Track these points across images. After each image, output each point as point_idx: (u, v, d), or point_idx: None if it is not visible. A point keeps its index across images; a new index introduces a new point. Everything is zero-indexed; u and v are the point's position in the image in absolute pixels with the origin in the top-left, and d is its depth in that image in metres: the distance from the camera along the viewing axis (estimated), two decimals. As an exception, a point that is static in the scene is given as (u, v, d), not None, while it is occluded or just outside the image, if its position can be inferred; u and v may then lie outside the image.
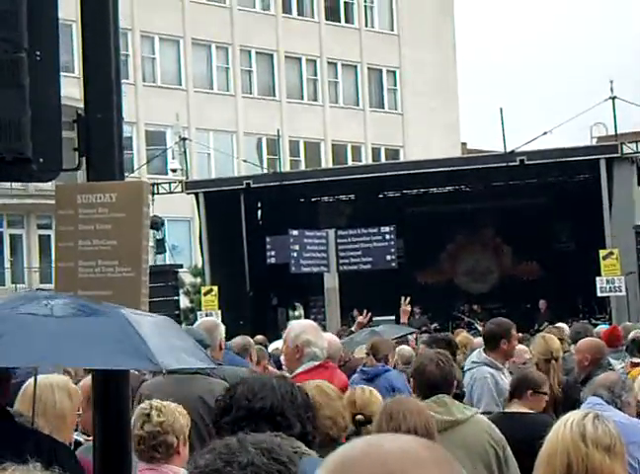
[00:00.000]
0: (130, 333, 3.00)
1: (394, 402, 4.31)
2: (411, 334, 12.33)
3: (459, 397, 5.95)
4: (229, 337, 8.83)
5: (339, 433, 4.36)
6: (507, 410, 6.13)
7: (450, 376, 5.31)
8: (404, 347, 10.10)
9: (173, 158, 32.09)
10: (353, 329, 10.61)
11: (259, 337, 12.95)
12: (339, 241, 21.27)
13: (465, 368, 7.16)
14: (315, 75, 42.83)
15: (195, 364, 3.82)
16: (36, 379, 3.90)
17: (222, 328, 7.13)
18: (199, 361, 3.60)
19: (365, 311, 11.17)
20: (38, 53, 3.63)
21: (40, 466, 1.85)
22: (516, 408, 6.02)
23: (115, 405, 3.86)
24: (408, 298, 11.52)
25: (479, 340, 9.68)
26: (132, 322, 3.07)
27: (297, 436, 3.22)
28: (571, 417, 3.53)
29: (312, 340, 6.05)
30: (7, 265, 34.47)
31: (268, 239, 21.93)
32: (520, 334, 9.24)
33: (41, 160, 3.64)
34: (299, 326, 6.39)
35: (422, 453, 1.37)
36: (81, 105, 3.80)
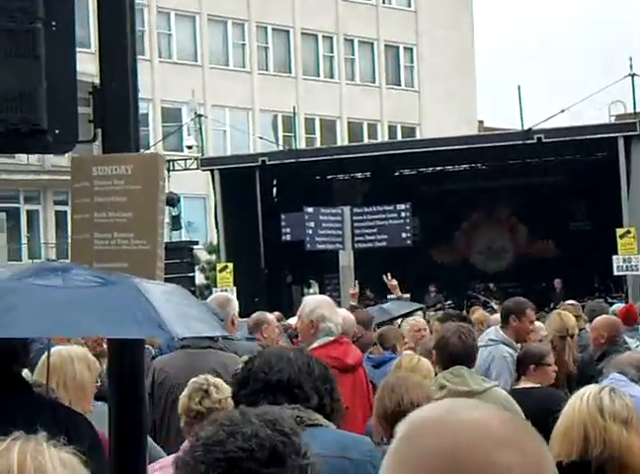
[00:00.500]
0: (142, 301, 2.99)
1: (396, 377, 4.35)
2: (419, 310, 12.31)
3: None
4: (246, 314, 8.84)
5: None
6: (515, 387, 6.12)
7: (472, 349, 5.33)
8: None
9: (189, 135, 32.08)
10: (351, 302, 10.59)
11: (275, 313, 12.95)
12: (354, 218, 21.24)
13: (481, 345, 7.12)
14: (332, 52, 42.67)
15: (207, 332, 3.82)
16: (49, 351, 3.91)
17: (235, 303, 7.14)
18: (211, 329, 3.59)
19: (356, 282, 11.34)
20: (53, 24, 3.61)
21: (45, 436, 1.85)
22: (523, 384, 6.01)
23: (130, 378, 3.87)
24: (389, 274, 11.69)
25: (495, 317, 9.66)
26: (144, 291, 3.07)
27: (315, 409, 3.21)
28: (587, 391, 3.53)
29: (327, 315, 6.05)
30: (24, 240, 34.63)
31: (283, 216, 21.93)
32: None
33: (57, 131, 3.63)
34: (314, 301, 6.39)
35: (498, 431, 1.25)
36: (97, 80, 3.79)
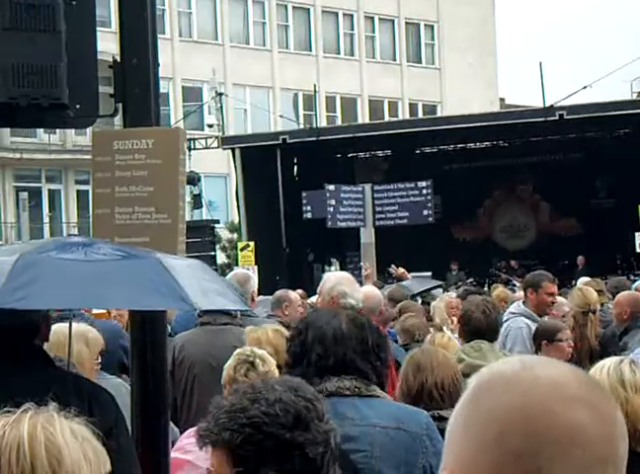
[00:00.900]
0: (164, 274, 3.01)
1: (422, 352, 4.28)
2: (438, 287, 12.30)
3: None
4: (267, 292, 8.84)
5: None
6: None
7: (495, 324, 5.35)
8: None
9: (209, 113, 32.08)
10: (367, 283, 10.61)
11: (299, 291, 12.97)
12: (375, 196, 21.19)
13: (504, 319, 7.16)
14: (352, 29, 42.49)
15: (229, 306, 3.83)
16: (70, 325, 3.92)
17: (254, 280, 7.15)
18: (233, 304, 3.60)
19: (367, 263, 11.29)
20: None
21: (56, 407, 1.85)
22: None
23: (152, 351, 3.90)
24: (394, 265, 11.73)
25: (519, 294, 9.64)
26: (166, 264, 3.08)
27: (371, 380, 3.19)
28: (607, 363, 3.51)
29: (348, 291, 6.04)
30: (45, 220, 34.80)
31: (304, 194, 21.91)
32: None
33: (78, 106, 3.65)
34: (335, 278, 6.38)
35: (573, 389, 1.22)
36: (118, 57, 3.79)
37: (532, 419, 1.20)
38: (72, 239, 3.24)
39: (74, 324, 4.79)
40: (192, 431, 4.34)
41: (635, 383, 3.41)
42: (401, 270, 11.60)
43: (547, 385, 1.22)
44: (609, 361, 3.53)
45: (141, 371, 3.82)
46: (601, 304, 7.88)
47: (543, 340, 6.02)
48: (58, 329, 4.33)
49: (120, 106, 3.76)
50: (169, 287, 2.95)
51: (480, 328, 5.26)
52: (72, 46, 3.62)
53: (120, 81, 3.70)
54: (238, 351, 4.34)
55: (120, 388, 4.55)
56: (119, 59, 3.74)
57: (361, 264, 11.47)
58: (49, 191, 35.24)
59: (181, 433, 4.99)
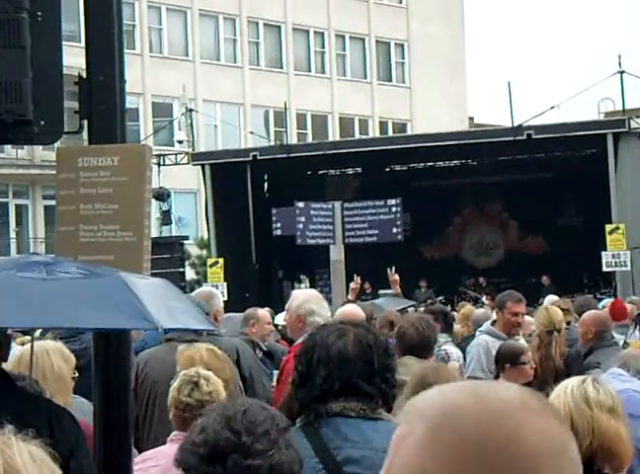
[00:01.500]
0: (126, 293, 2.98)
1: (430, 370, 4.23)
2: (411, 306, 12.35)
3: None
4: (237, 309, 8.83)
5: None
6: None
7: (428, 341, 5.43)
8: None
9: (179, 130, 32.01)
10: (349, 297, 10.60)
11: (266, 309, 12.96)
12: (345, 213, 21.22)
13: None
14: (323, 47, 42.62)
15: (193, 325, 3.80)
16: (32, 343, 3.88)
17: (218, 298, 7.12)
18: (197, 323, 3.58)
19: (358, 278, 11.23)
20: (39, 14, 3.60)
21: (12, 429, 1.82)
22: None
23: (116, 370, 3.86)
24: (394, 268, 11.66)
25: (479, 311, 9.73)
26: (129, 283, 3.05)
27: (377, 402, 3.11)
28: (570, 382, 3.52)
29: (315, 309, 6.04)
30: (12, 235, 34.51)
31: (274, 211, 21.90)
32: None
33: (43, 122, 3.61)
34: (302, 295, 6.38)
35: (536, 403, 1.20)
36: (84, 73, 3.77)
37: (484, 449, 1.17)
38: (34, 258, 3.20)
39: (47, 341, 4.75)
40: (147, 454, 4.31)
41: (599, 401, 3.42)
42: (396, 276, 11.61)
43: (519, 403, 1.20)
44: (573, 381, 3.54)
45: (104, 392, 3.78)
46: (567, 323, 7.92)
47: (506, 363, 6.04)
48: (36, 347, 4.30)
49: (85, 122, 3.73)
50: (131, 306, 2.92)
51: (413, 344, 5.37)
52: (38, 62, 3.60)
53: (86, 98, 3.68)
54: (184, 372, 4.37)
55: (83, 407, 4.51)
56: (84, 76, 3.71)
57: (352, 282, 11.39)
58: (16, 206, 34.97)
59: (141, 448, 4.95)
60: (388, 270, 11.71)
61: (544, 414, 1.23)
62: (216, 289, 7.68)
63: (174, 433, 4.21)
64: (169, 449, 3.79)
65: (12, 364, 4.50)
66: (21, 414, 2.86)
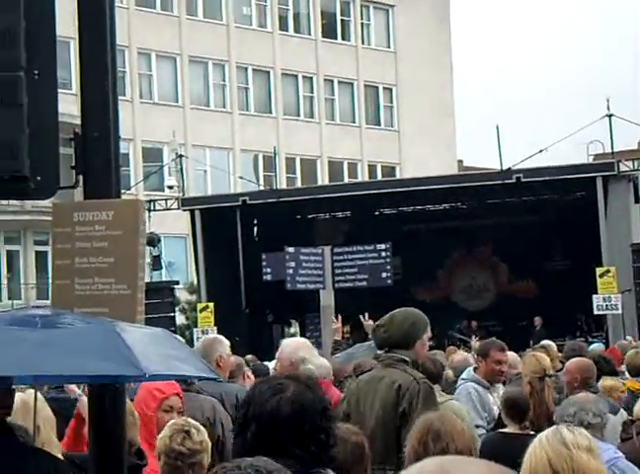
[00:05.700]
0: (114, 340, 2.99)
1: (440, 421, 4.17)
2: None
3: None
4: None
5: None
6: (504, 430, 6.17)
7: None
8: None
9: (169, 175, 32.13)
10: (336, 338, 10.56)
11: (248, 356, 12.99)
12: (335, 258, 21.28)
13: (457, 385, 7.40)
14: (312, 92, 42.94)
15: (191, 373, 3.81)
16: (36, 395, 3.90)
17: (221, 344, 7.09)
18: (196, 371, 3.59)
19: (336, 317, 11.17)
20: (35, 72, 3.65)
21: None
22: (512, 429, 6.09)
23: (111, 421, 3.87)
24: (367, 314, 11.61)
25: (458, 358, 9.76)
26: (119, 330, 3.07)
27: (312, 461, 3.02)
28: (545, 432, 3.63)
29: (307, 357, 6.09)
30: (4, 281, 34.44)
31: (263, 256, 21.94)
32: (511, 352, 9.21)
33: (39, 178, 3.66)
34: (294, 343, 6.43)
35: None
36: (78, 121, 3.82)
37: None
38: (32, 312, 3.22)
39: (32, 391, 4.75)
40: None
41: (577, 441, 3.49)
42: (370, 322, 11.54)
43: None
44: (547, 430, 3.66)
45: (99, 441, 3.79)
46: (557, 370, 7.96)
47: (515, 417, 6.15)
48: (24, 395, 4.31)
49: (80, 177, 3.78)
50: (118, 352, 2.92)
51: None
52: (34, 119, 3.65)
53: (81, 154, 3.73)
54: (172, 421, 4.42)
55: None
56: (80, 133, 3.77)
57: (335, 318, 11.34)
58: (8, 252, 34.93)
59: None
60: (361, 316, 11.67)
61: None
62: (221, 336, 7.60)
63: None
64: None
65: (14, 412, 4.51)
66: (20, 469, 2.88)
